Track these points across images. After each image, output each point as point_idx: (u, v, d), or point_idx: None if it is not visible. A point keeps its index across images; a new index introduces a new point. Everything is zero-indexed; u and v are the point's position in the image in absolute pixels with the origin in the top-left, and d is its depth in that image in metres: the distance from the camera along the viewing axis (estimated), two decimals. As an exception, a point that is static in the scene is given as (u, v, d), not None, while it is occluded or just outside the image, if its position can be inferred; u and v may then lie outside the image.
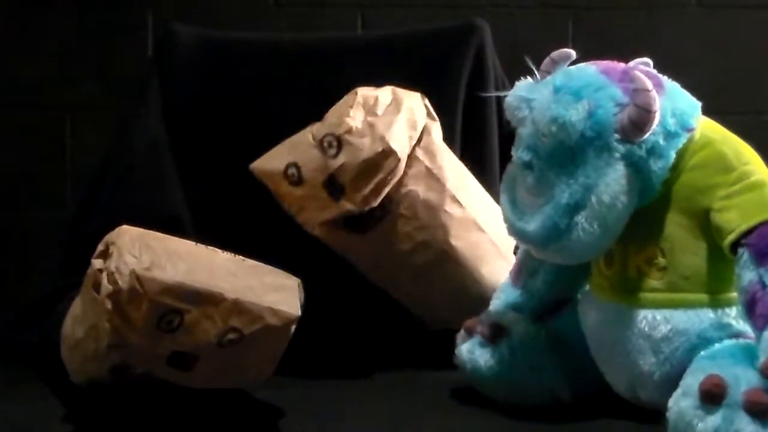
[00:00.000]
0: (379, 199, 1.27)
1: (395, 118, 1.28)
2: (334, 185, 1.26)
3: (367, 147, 1.25)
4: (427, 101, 1.36)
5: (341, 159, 1.25)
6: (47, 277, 1.54)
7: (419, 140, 1.32)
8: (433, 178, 1.31)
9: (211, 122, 1.58)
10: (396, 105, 1.30)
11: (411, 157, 1.31)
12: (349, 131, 1.25)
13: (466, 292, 1.32)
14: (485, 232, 1.35)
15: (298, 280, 1.15)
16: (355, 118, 1.26)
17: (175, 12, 1.73)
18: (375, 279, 1.36)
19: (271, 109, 1.58)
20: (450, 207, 1.31)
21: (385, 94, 1.31)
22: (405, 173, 1.30)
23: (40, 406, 1.19)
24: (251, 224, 1.48)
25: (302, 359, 1.33)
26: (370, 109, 1.28)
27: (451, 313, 1.31)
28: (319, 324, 1.39)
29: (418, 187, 1.30)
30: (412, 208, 1.30)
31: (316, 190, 1.27)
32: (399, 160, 1.26)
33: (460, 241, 1.32)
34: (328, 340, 1.41)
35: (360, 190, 1.26)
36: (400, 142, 1.27)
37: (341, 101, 1.31)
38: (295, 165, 1.28)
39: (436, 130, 1.35)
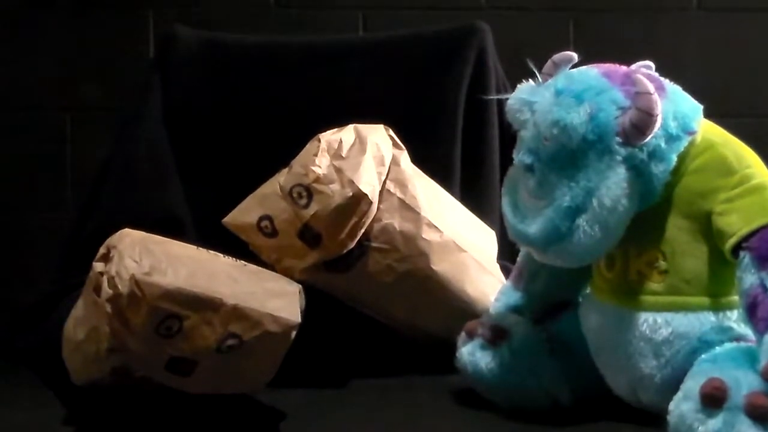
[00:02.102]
0: (356, 240, 1.27)
1: (362, 159, 1.27)
2: (309, 234, 1.26)
3: (337, 193, 1.24)
4: (391, 132, 1.35)
5: (313, 208, 1.25)
6: (48, 278, 1.54)
7: (388, 173, 1.32)
8: (406, 208, 1.31)
9: (212, 123, 1.58)
10: (360, 144, 1.29)
11: (383, 191, 1.31)
12: (317, 180, 1.24)
13: (453, 312, 1.32)
14: (466, 251, 1.35)
15: (300, 286, 1.15)
16: (321, 165, 1.25)
17: (176, 13, 1.73)
18: (362, 309, 1.36)
19: (272, 110, 1.58)
20: (427, 234, 1.31)
21: (348, 134, 1.30)
22: (379, 208, 1.30)
23: (40, 409, 1.19)
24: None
25: (302, 363, 1.33)
26: (335, 153, 1.27)
27: (440, 331, 1.31)
28: (319, 328, 1.39)
29: (393, 220, 1.30)
30: (390, 242, 1.30)
31: (292, 240, 1.27)
32: (371, 202, 1.26)
33: (441, 265, 1.32)
34: (328, 343, 1.41)
35: (336, 236, 1.26)
36: (370, 183, 1.27)
37: (305, 149, 1.30)
38: (268, 217, 1.28)
39: (405, 159, 1.35)
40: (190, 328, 1.04)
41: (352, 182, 1.25)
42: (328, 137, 1.29)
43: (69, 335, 1.15)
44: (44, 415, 1.17)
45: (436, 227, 1.32)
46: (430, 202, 1.34)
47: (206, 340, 1.05)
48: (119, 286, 1.03)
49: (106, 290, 1.04)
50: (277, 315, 1.07)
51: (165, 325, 1.04)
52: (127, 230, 1.11)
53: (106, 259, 1.08)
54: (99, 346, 1.06)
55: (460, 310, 1.32)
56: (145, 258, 1.05)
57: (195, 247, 1.15)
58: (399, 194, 1.32)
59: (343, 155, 1.27)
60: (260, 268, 1.16)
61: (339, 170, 1.26)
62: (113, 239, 1.10)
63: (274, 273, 1.16)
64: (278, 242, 1.28)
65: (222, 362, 1.06)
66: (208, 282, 1.07)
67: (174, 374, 1.07)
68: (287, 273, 1.23)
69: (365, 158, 1.28)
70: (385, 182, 1.31)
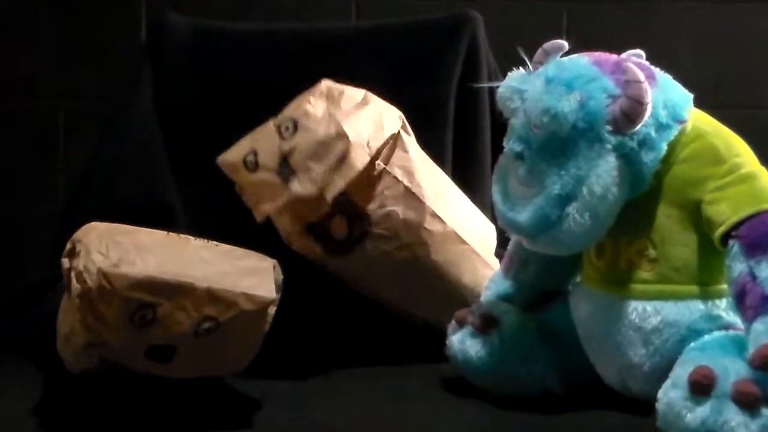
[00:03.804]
0: (331, 194, 1.24)
1: (357, 111, 1.27)
2: (285, 168, 1.25)
3: (321, 131, 1.24)
4: (404, 118, 1.34)
5: (294, 141, 1.24)
6: (38, 267, 1.53)
7: (395, 157, 1.31)
8: (411, 197, 1.30)
9: (203, 112, 1.58)
10: (363, 103, 1.29)
11: (389, 176, 1.30)
12: (306, 114, 1.24)
13: (449, 302, 1.32)
14: (467, 243, 1.34)
15: (274, 261, 1.14)
16: (315, 106, 1.25)
17: (168, 1, 1.73)
18: (359, 291, 1.36)
19: (265, 98, 1.57)
20: (430, 224, 1.31)
21: (355, 92, 1.30)
22: (383, 194, 1.29)
23: (26, 399, 1.18)
24: (244, 215, 1.48)
25: (291, 350, 1.33)
26: (333, 101, 1.26)
27: (435, 319, 1.31)
28: (309, 315, 1.40)
29: (397, 207, 1.29)
30: (392, 229, 1.29)
31: (270, 175, 1.26)
32: (349, 143, 1.24)
33: (441, 255, 1.32)
34: (318, 330, 1.41)
35: (308, 173, 1.24)
36: (357, 131, 1.25)
37: (308, 90, 1.30)
38: (254, 152, 1.27)
39: (413, 145, 1.34)
40: (165, 315, 1.04)
41: (338, 124, 1.24)
42: (331, 84, 1.28)
43: (60, 327, 1.15)
44: (30, 404, 1.17)
45: (439, 218, 1.32)
46: (435, 192, 1.34)
47: (182, 325, 1.04)
48: (88, 281, 1.02)
49: (75, 286, 1.03)
50: (252, 293, 1.07)
51: (139, 315, 1.03)
52: (93, 224, 1.11)
53: (72, 254, 1.07)
54: (78, 342, 1.06)
55: (456, 301, 1.32)
56: (113, 250, 1.05)
57: (164, 232, 1.14)
58: (406, 182, 1.31)
59: (341, 105, 1.27)
60: (232, 246, 1.14)
61: (330, 115, 1.25)
62: (79, 234, 1.09)
63: (247, 250, 1.14)
64: (258, 177, 1.27)
65: (201, 345, 1.06)
66: (178, 267, 1.06)
67: (154, 361, 1.06)
68: (260, 216, 1.25)
69: (361, 112, 1.27)
70: (393, 167, 1.30)
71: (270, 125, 1.28)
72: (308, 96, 1.27)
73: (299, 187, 1.24)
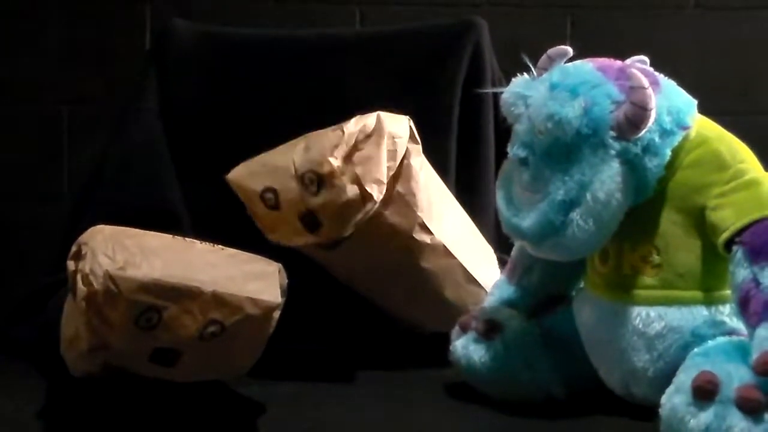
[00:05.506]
0: (350, 231, 1.27)
1: (374, 154, 1.27)
2: (311, 219, 1.26)
3: (347, 190, 1.24)
4: (412, 124, 1.33)
5: (321, 198, 1.24)
6: (44, 271, 1.54)
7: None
8: (402, 202, 1.30)
9: (208, 117, 1.58)
10: (378, 136, 1.28)
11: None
12: (332, 173, 1.24)
13: (429, 311, 1.33)
14: (455, 257, 1.34)
15: (279, 265, 1.14)
16: (338, 157, 1.25)
17: (173, 7, 1.73)
18: (342, 281, 1.38)
19: (269, 104, 1.58)
20: (418, 234, 1.30)
21: (369, 124, 1.29)
22: None
23: (32, 402, 1.19)
24: (248, 218, 1.48)
25: (295, 355, 1.33)
26: (353, 145, 1.26)
27: (410, 319, 1.33)
28: (312, 320, 1.40)
29: (385, 210, 1.29)
30: (377, 231, 1.29)
31: (292, 218, 1.27)
32: (376, 203, 1.26)
33: (424, 265, 1.32)
34: (322, 335, 1.41)
35: (336, 228, 1.26)
36: (379, 183, 1.26)
37: (327, 134, 1.29)
38: (274, 191, 1.28)
39: (417, 154, 1.34)
40: (170, 318, 1.04)
41: (361, 183, 1.24)
42: (351, 129, 1.28)
43: (63, 331, 1.15)
44: (34, 407, 1.17)
45: (428, 228, 1.31)
46: (429, 203, 1.33)
47: (188, 329, 1.04)
48: (94, 284, 1.02)
49: (81, 288, 1.03)
50: (257, 298, 1.07)
51: (144, 318, 1.03)
52: (99, 227, 1.11)
53: (78, 257, 1.07)
54: (82, 345, 1.06)
55: (436, 312, 1.33)
56: (119, 253, 1.04)
57: (170, 236, 1.14)
58: (399, 188, 1.31)
59: (360, 148, 1.27)
60: (238, 251, 1.15)
61: (353, 164, 1.25)
62: (85, 236, 1.09)
63: (252, 254, 1.14)
64: (278, 216, 1.28)
65: (206, 349, 1.06)
66: (184, 271, 1.06)
67: (159, 365, 1.06)
68: (273, 241, 1.25)
69: (378, 153, 1.27)
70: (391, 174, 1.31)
71: (291, 167, 1.27)
72: (331, 147, 1.26)
73: (325, 238, 1.27)
